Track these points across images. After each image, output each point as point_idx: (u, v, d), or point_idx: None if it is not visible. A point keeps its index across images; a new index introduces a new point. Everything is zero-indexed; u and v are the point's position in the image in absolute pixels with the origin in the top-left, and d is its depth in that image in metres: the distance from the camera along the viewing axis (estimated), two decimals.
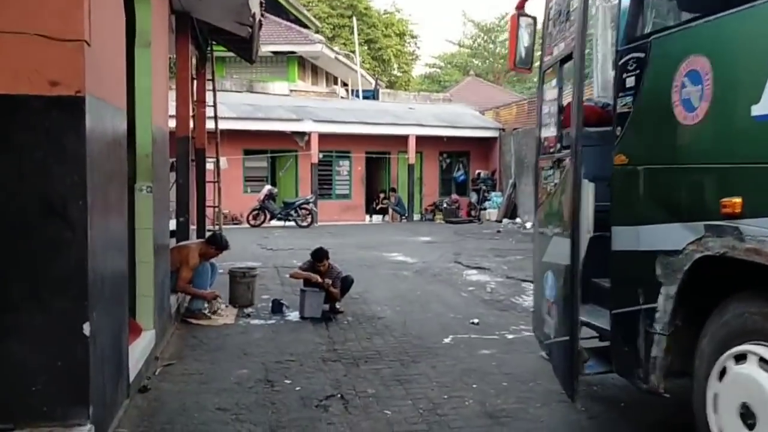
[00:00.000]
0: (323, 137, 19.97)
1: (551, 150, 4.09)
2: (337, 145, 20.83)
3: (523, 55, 4.56)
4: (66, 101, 3.08)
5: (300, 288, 7.12)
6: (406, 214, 21.14)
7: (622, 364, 3.64)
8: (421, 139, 20.99)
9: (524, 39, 4.54)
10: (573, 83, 3.48)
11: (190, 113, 7.98)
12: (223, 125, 18.08)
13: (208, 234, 11.63)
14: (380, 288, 8.80)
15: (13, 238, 3.08)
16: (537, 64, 4.86)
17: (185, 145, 7.78)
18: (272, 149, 20.43)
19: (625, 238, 3.57)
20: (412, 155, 20.99)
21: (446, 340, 6.07)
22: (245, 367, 5.11)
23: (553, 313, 3.99)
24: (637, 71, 3.48)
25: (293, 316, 7.00)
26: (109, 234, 3.63)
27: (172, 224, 8.36)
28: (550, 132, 4.16)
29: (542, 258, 4.30)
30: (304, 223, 18.53)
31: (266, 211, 18.64)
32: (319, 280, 6.95)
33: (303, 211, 18.64)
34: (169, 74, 6.20)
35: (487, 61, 52.32)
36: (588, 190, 3.91)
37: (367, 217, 21.49)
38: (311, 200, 18.99)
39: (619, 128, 3.61)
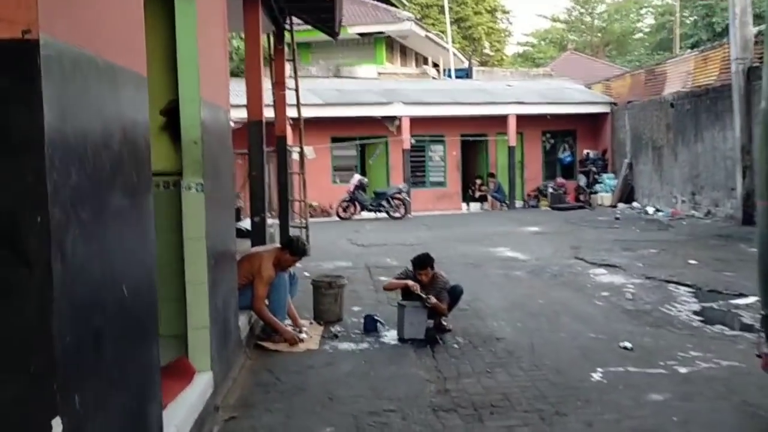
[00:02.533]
0: (414, 121, 18.55)
1: None
2: (429, 129, 19.35)
3: None
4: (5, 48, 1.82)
5: (398, 302, 5.76)
6: (507, 201, 19.39)
7: None
8: (521, 119, 19.15)
9: None
10: None
11: (263, 93, 6.75)
12: (308, 112, 17.05)
13: (292, 232, 10.54)
14: (492, 295, 7.31)
15: None
16: None
17: (258, 131, 6.58)
18: (361, 136, 19.21)
19: None
20: (512, 136, 19.19)
21: (595, 376, 4.52)
22: (331, 423, 3.80)
23: None
24: None
25: (390, 336, 5.66)
26: (111, 257, 2.37)
27: (247, 223, 7.23)
28: None
29: None
30: (397, 214, 17.22)
31: (356, 203, 17.47)
32: (418, 288, 5.56)
33: (395, 201, 17.33)
34: (229, 41, 4.96)
35: (584, 35, 49.18)
36: None
37: (464, 205, 19.91)
38: (404, 189, 17.64)
39: None
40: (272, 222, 10.82)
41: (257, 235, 6.68)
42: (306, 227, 11.06)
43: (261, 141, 6.59)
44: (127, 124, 2.58)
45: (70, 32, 2.03)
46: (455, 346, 5.35)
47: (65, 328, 1.96)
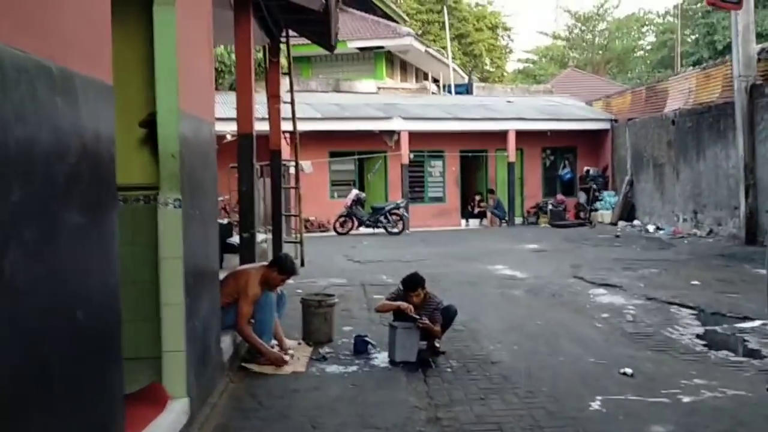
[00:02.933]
0: (414, 136, 18.41)
1: None
2: (428, 144, 19.21)
3: None
4: None
5: (389, 323, 5.54)
6: (507, 218, 19.19)
7: None
8: (521, 135, 19.00)
9: None
10: None
11: (254, 106, 6.56)
12: (307, 126, 16.93)
13: (286, 247, 10.34)
14: (489, 315, 7.09)
15: None
16: None
17: (248, 144, 6.40)
18: (360, 151, 19.05)
19: None
20: (512, 152, 19.03)
21: (594, 405, 4.29)
22: None
23: None
24: None
25: (381, 358, 5.43)
26: (64, 279, 2.17)
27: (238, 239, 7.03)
28: None
29: None
30: (395, 230, 17.01)
31: (354, 218, 17.27)
32: (411, 310, 5.34)
33: (393, 216, 17.13)
34: (213, 46, 4.77)
35: (585, 52, 49.21)
36: None
37: (463, 221, 19.71)
38: (402, 205, 17.45)
39: None
40: (265, 237, 10.62)
41: (246, 251, 6.47)
42: (301, 242, 10.85)
43: (251, 155, 6.41)
44: (88, 135, 2.38)
45: (13, 34, 1.84)
46: (448, 369, 5.13)
47: (4, 358, 1.75)
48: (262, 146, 11.02)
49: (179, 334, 3.68)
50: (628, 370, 4.96)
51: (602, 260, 11.22)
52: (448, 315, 5.55)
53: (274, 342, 5.34)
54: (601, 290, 8.47)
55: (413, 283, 5.43)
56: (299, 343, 5.82)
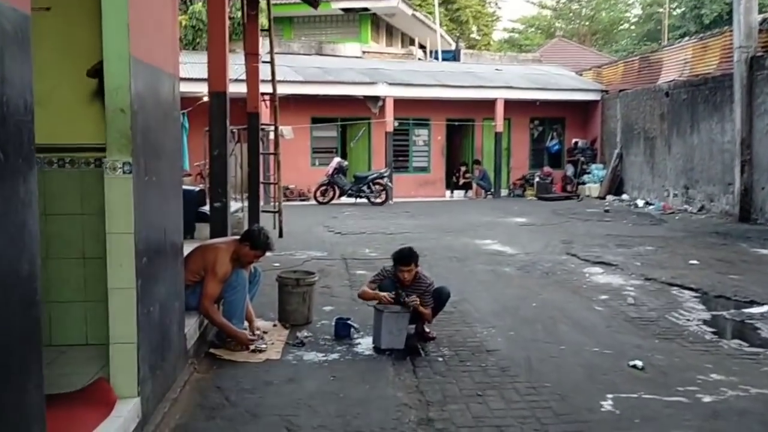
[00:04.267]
0: (399, 103, 17.72)
1: None
2: (414, 112, 18.54)
3: None
4: None
5: (374, 305, 5.01)
6: (492, 190, 18.68)
7: None
8: (509, 104, 18.37)
9: None
10: None
11: (227, 62, 5.88)
12: (288, 89, 16.14)
13: (263, 217, 9.75)
14: (480, 295, 6.60)
15: None
16: None
17: (220, 104, 5.75)
18: (343, 117, 18.34)
19: None
20: (500, 122, 18.43)
21: (606, 405, 3.82)
22: None
23: None
24: None
25: (365, 344, 4.91)
26: None
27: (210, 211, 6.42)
28: None
29: None
30: (378, 200, 16.44)
31: (336, 187, 16.65)
32: (388, 300, 4.82)
33: (376, 186, 16.54)
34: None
35: (572, 23, 48.43)
36: None
37: (448, 192, 19.18)
38: (385, 174, 16.84)
39: None
40: (241, 206, 10.00)
41: (218, 222, 5.87)
42: (279, 212, 10.25)
43: (224, 116, 5.77)
44: None
45: None
46: (440, 359, 4.62)
47: None
48: (239, 109, 10.35)
49: (130, 323, 3.11)
50: (638, 363, 4.50)
51: (594, 236, 10.78)
52: (440, 297, 5.03)
53: (245, 326, 4.79)
54: (597, 269, 8.01)
55: (406, 257, 4.87)
56: (274, 325, 5.29)
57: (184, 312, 4.13)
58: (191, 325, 4.35)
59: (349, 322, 5.13)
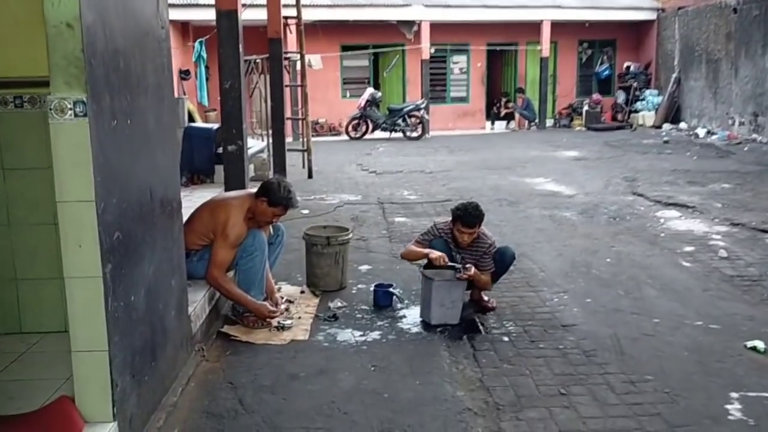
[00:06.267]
0: (435, 27, 16.35)
1: None
2: (452, 37, 17.15)
3: None
4: None
5: (422, 270, 4.11)
6: (537, 120, 17.39)
7: None
8: (556, 26, 16.83)
9: None
10: None
11: None
12: (315, 14, 14.90)
13: (290, 157, 8.85)
14: (542, 248, 5.65)
15: None
16: None
17: (230, 26, 4.75)
18: (375, 44, 17.07)
19: None
20: (546, 46, 16.94)
21: (732, 411, 2.90)
22: None
23: None
24: None
25: (411, 318, 4.05)
26: None
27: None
28: None
29: None
30: (414, 134, 15.36)
31: (368, 120, 15.59)
32: (444, 260, 3.90)
33: (412, 119, 15.42)
34: None
35: None
36: None
37: (488, 124, 17.93)
38: (422, 106, 15.65)
39: None
40: (265, 145, 9.10)
41: (234, 170, 4.96)
42: (308, 150, 9.35)
43: (236, 40, 4.77)
44: None
45: None
46: (505, 338, 3.73)
47: None
48: (260, 36, 9.28)
49: (96, 325, 2.26)
50: (759, 344, 3.55)
51: (658, 171, 9.64)
52: (503, 261, 4.09)
53: (264, 297, 3.94)
54: (672, 212, 6.96)
55: (472, 217, 3.89)
56: (302, 292, 4.44)
57: (186, 289, 3.28)
58: (198, 302, 3.52)
59: (391, 289, 4.25)
